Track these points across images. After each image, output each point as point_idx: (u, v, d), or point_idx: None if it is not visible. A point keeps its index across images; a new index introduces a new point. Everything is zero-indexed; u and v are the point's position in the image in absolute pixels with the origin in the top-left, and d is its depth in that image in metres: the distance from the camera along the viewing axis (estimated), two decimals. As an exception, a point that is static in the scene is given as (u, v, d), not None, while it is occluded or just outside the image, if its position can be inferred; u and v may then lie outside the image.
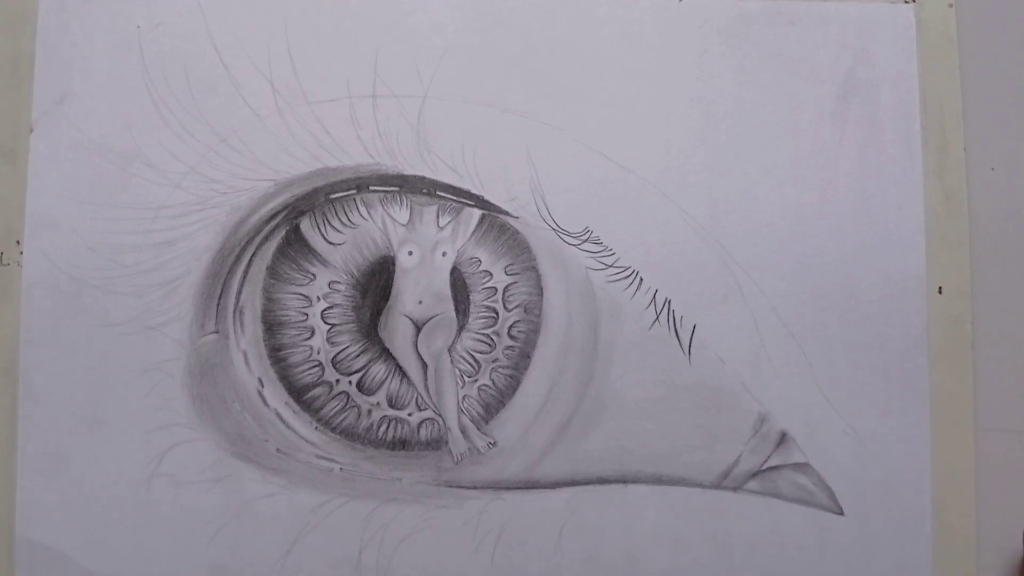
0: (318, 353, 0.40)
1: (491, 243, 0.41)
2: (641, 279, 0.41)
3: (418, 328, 0.40)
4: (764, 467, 0.40)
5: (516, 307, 0.41)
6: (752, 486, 0.40)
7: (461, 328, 0.40)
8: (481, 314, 0.41)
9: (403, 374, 0.40)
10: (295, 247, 0.40)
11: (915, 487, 0.41)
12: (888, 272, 0.41)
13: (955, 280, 0.41)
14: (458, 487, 0.40)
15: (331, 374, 0.40)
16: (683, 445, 0.40)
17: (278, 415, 0.40)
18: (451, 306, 0.41)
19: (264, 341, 0.40)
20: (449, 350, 0.40)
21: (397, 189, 0.41)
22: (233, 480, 0.40)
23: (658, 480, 0.40)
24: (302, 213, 0.40)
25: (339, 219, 0.40)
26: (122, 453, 0.39)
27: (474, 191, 0.41)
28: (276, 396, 0.40)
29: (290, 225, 0.40)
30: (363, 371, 0.40)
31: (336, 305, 0.40)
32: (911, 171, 0.42)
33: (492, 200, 0.41)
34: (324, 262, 0.40)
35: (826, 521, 0.40)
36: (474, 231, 0.41)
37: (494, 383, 0.40)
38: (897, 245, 0.41)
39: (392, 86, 0.41)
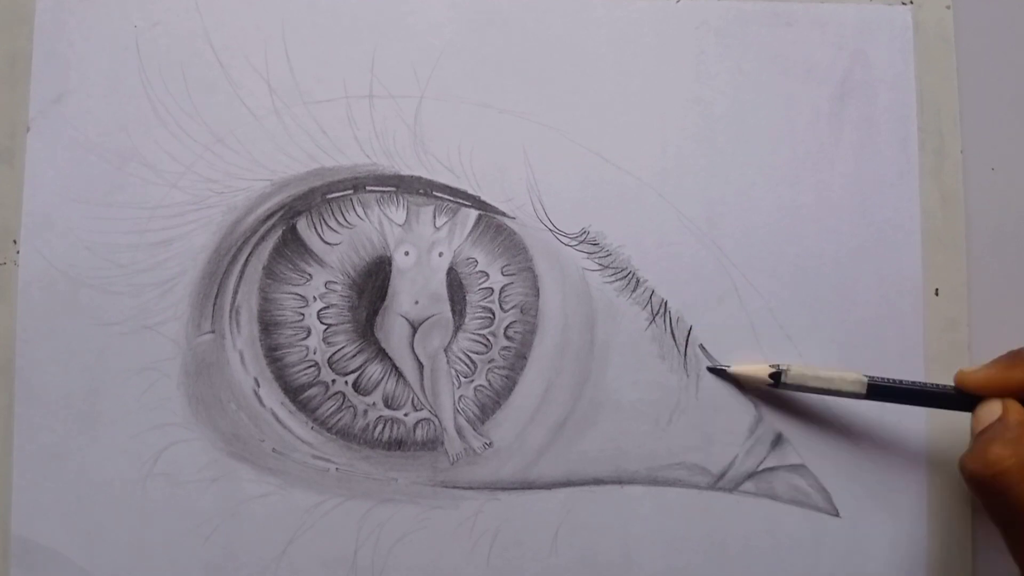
0: (314, 353, 0.40)
1: (488, 243, 0.41)
2: (637, 280, 0.41)
3: (414, 328, 0.40)
4: (760, 469, 0.40)
5: (512, 308, 0.41)
6: (748, 488, 0.40)
7: (457, 329, 0.40)
8: (477, 315, 0.41)
9: (399, 374, 0.40)
10: (291, 247, 0.40)
11: (911, 488, 0.41)
12: (884, 274, 0.41)
13: (952, 282, 0.41)
14: (454, 487, 0.40)
15: (327, 374, 0.40)
16: (679, 446, 0.40)
17: (274, 415, 0.40)
18: (447, 306, 0.41)
19: (260, 341, 0.40)
20: (445, 351, 0.40)
21: (394, 189, 0.41)
22: (229, 480, 0.40)
23: (654, 481, 0.40)
24: (298, 213, 0.40)
25: (335, 219, 0.40)
26: (118, 452, 0.40)
27: (471, 191, 0.41)
28: (272, 396, 0.40)
29: (286, 225, 0.40)
30: (359, 371, 0.40)
31: (332, 305, 0.40)
32: (908, 173, 0.42)
33: (489, 200, 0.41)
34: (320, 262, 0.40)
35: (822, 523, 0.40)
36: (471, 231, 0.41)
37: (490, 384, 0.40)
38: (893, 247, 0.41)
39: (389, 87, 0.41)
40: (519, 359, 0.40)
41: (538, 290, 0.41)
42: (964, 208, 0.42)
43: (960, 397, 0.38)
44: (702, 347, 0.40)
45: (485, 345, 0.40)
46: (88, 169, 0.40)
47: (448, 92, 0.41)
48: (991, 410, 0.36)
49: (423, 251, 0.41)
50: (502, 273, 0.41)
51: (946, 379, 0.40)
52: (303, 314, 0.40)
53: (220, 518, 0.40)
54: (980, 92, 0.42)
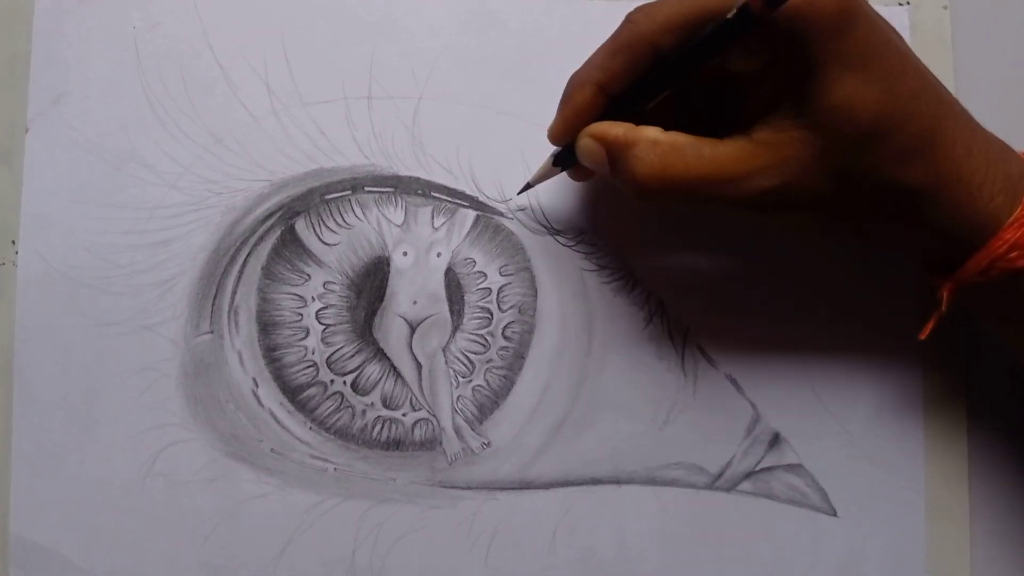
0: (313, 353, 0.40)
1: (486, 244, 0.41)
2: (635, 280, 0.41)
3: (412, 328, 0.40)
4: (757, 468, 0.40)
5: (510, 308, 0.41)
6: (745, 487, 0.40)
7: (455, 329, 0.41)
8: (475, 315, 0.41)
9: (397, 375, 0.40)
10: (290, 247, 0.40)
11: (909, 488, 0.41)
12: (883, 273, 0.41)
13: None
14: (452, 487, 0.40)
15: (326, 374, 0.40)
16: (676, 446, 0.40)
17: (272, 415, 0.40)
18: (446, 307, 0.41)
19: (259, 341, 0.40)
20: (443, 351, 0.40)
21: (392, 190, 0.41)
22: (227, 480, 0.40)
23: (652, 481, 0.40)
24: (297, 213, 0.40)
25: (334, 219, 0.41)
26: (116, 452, 0.40)
27: (469, 192, 0.41)
28: (271, 396, 0.40)
29: (285, 225, 0.40)
30: (358, 371, 0.40)
31: (331, 305, 0.40)
32: (905, 173, 0.42)
33: (487, 201, 0.41)
34: (319, 262, 0.40)
35: (819, 522, 0.40)
36: (469, 232, 0.41)
37: (488, 383, 0.40)
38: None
39: (387, 88, 0.41)
40: (517, 359, 0.40)
41: (536, 290, 0.41)
42: (961, 208, 0.42)
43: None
44: (700, 347, 0.41)
45: (483, 345, 0.40)
46: (87, 170, 0.40)
47: (446, 93, 0.41)
48: (588, 147, 0.35)
49: (421, 251, 0.41)
50: (500, 273, 0.41)
51: (942, 376, 0.40)
52: (301, 314, 0.40)
53: (219, 518, 0.40)
54: (977, 92, 0.42)
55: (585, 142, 0.35)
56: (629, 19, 0.34)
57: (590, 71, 0.35)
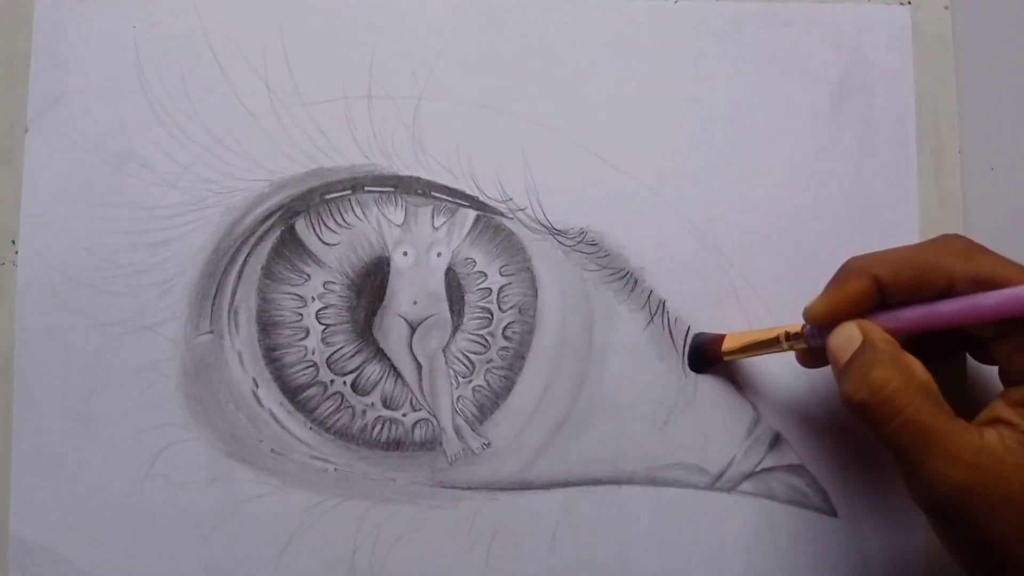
0: (313, 353, 0.40)
1: (486, 244, 0.41)
2: (636, 281, 0.41)
3: (413, 329, 0.40)
4: (758, 469, 0.40)
5: (511, 308, 0.41)
6: (746, 488, 0.40)
7: (456, 329, 0.41)
8: (476, 315, 0.41)
9: (398, 375, 0.40)
10: (290, 247, 0.40)
11: (909, 489, 0.41)
12: (883, 274, 0.41)
13: (950, 282, 0.41)
14: (452, 488, 0.40)
15: (326, 374, 0.40)
16: (677, 447, 0.40)
17: (272, 415, 0.40)
18: (446, 307, 0.41)
19: (259, 341, 0.40)
20: (444, 351, 0.40)
21: (392, 190, 0.41)
22: (227, 480, 0.40)
23: (652, 482, 0.40)
24: (297, 213, 0.40)
25: (334, 219, 0.40)
26: (116, 453, 0.40)
27: (469, 192, 0.41)
28: (271, 396, 0.40)
29: (285, 225, 0.40)
30: (358, 372, 0.40)
31: (331, 305, 0.40)
32: (906, 173, 0.42)
33: (487, 201, 0.41)
34: (319, 262, 0.40)
35: (820, 523, 0.40)
36: (469, 232, 0.41)
37: (488, 384, 0.40)
38: (892, 247, 0.41)
39: (387, 87, 0.41)
40: (517, 359, 0.40)
41: (536, 290, 0.41)
42: (962, 208, 0.42)
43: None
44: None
45: (483, 345, 0.40)
46: (87, 170, 0.40)
47: (446, 93, 0.41)
48: (850, 335, 0.33)
49: (421, 251, 0.41)
50: (500, 273, 0.41)
51: (941, 376, 0.40)
52: (301, 314, 0.40)
53: (219, 518, 0.40)
54: (978, 92, 0.42)
55: (851, 330, 0.33)
56: (947, 240, 0.32)
57: (875, 263, 0.33)
